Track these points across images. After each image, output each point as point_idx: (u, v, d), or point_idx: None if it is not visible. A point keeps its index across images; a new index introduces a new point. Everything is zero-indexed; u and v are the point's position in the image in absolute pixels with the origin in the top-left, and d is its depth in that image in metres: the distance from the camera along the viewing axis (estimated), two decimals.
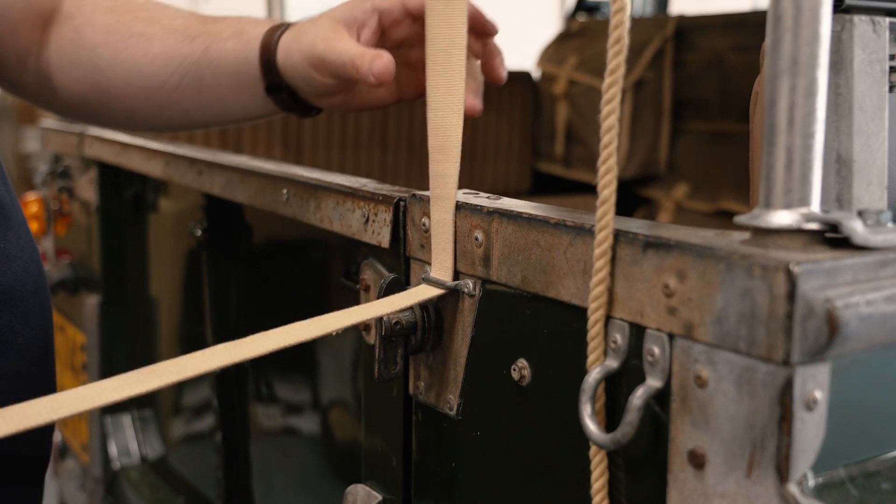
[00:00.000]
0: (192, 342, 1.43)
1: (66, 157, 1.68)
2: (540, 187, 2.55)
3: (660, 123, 2.37)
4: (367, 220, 0.83)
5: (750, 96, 0.67)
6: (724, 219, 2.20)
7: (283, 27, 0.89)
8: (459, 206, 0.72)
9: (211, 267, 1.26)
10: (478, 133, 2.46)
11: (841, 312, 0.47)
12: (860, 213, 0.53)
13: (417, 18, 0.84)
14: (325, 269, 1.05)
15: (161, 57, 0.93)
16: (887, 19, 0.60)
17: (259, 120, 1.00)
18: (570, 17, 2.70)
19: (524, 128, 2.54)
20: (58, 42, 0.98)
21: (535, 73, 2.57)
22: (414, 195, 0.78)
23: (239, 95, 0.93)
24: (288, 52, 0.85)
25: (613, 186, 0.58)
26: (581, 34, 2.53)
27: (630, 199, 2.44)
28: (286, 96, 0.90)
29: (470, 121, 2.53)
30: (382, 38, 0.85)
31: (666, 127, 2.37)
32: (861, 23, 0.59)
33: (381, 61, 0.78)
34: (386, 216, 0.80)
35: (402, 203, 0.79)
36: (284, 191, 0.96)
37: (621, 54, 0.57)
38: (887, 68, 0.60)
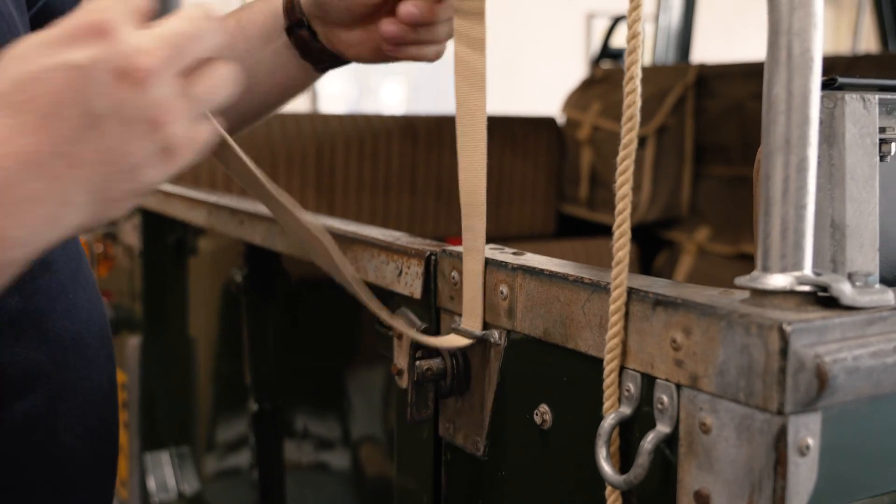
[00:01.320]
0: (230, 383, 1.50)
1: None
2: (565, 229, 2.61)
3: (682, 168, 2.42)
4: (399, 273, 0.89)
5: None
6: (745, 261, 2.25)
7: None
8: (486, 262, 0.78)
9: (250, 311, 1.32)
10: (504, 176, 2.53)
11: (829, 367, 0.53)
12: (850, 276, 0.59)
13: None
14: (360, 315, 1.11)
15: None
16: (877, 96, 0.66)
17: (283, 90, 0.99)
18: (594, 64, 2.77)
19: (549, 171, 2.60)
20: None
21: (560, 119, 2.64)
22: (444, 250, 0.85)
23: (266, 53, 0.94)
24: None
25: (627, 248, 0.64)
26: (605, 81, 2.60)
27: (653, 242, 2.49)
28: (307, 34, 0.91)
29: (497, 164, 2.57)
30: None
31: (688, 171, 2.42)
32: (852, 100, 0.65)
33: None
34: (418, 269, 0.87)
35: (432, 257, 0.86)
36: None
37: (634, 130, 0.63)
38: (878, 140, 0.66)
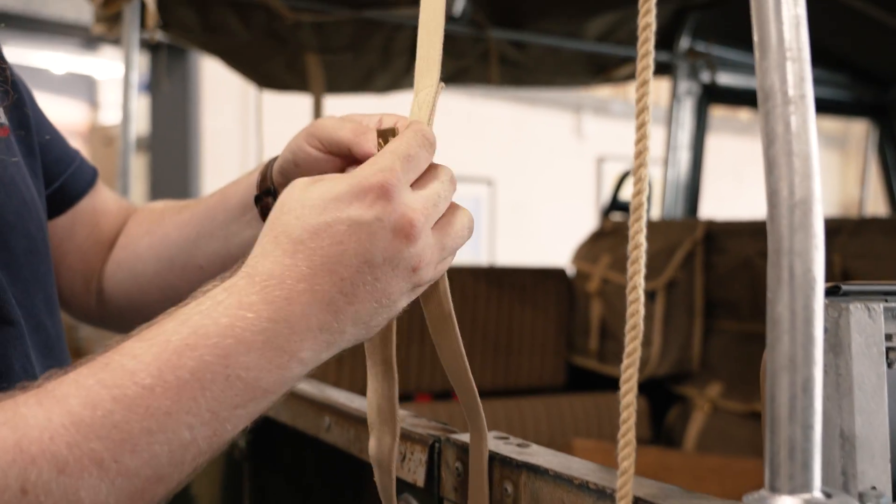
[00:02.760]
0: None
1: None
2: (575, 381, 2.59)
3: (692, 322, 2.42)
4: (403, 458, 0.88)
5: None
6: (757, 420, 2.21)
7: None
8: (491, 457, 0.77)
9: (252, 477, 1.30)
10: (514, 327, 2.53)
11: None
12: (861, 496, 0.57)
13: None
14: (363, 496, 1.09)
15: (190, 222, 0.98)
16: (882, 305, 0.66)
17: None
18: (604, 216, 2.81)
19: (559, 323, 2.60)
20: (112, 254, 1.06)
21: (570, 271, 2.65)
22: (448, 439, 0.83)
23: (240, 224, 0.93)
24: (289, 144, 0.86)
25: (632, 458, 0.63)
26: (614, 233, 2.63)
27: (664, 397, 2.46)
28: (271, 202, 0.89)
29: (507, 315, 2.56)
30: None
31: (698, 326, 2.42)
32: (857, 310, 0.64)
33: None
34: (421, 456, 0.85)
35: (436, 445, 0.84)
36: (326, 418, 1.01)
37: (637, 314, 0.63)
38: (884, 349, 0.66)
